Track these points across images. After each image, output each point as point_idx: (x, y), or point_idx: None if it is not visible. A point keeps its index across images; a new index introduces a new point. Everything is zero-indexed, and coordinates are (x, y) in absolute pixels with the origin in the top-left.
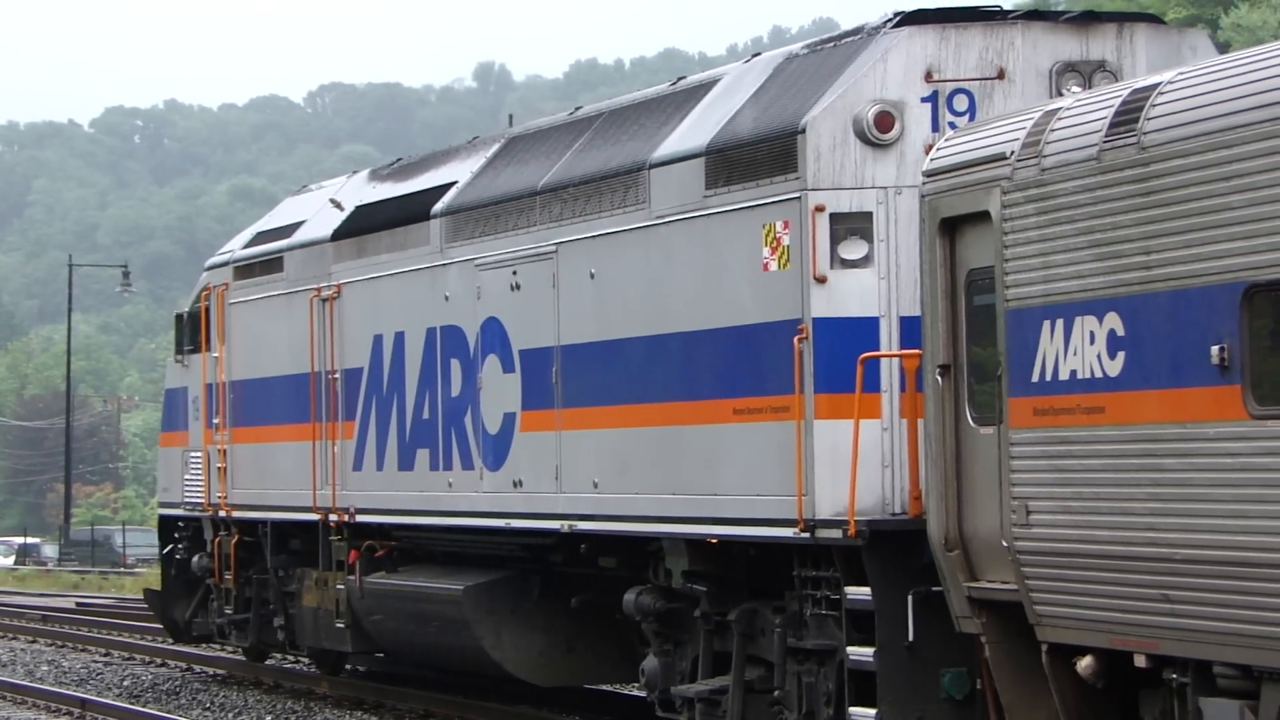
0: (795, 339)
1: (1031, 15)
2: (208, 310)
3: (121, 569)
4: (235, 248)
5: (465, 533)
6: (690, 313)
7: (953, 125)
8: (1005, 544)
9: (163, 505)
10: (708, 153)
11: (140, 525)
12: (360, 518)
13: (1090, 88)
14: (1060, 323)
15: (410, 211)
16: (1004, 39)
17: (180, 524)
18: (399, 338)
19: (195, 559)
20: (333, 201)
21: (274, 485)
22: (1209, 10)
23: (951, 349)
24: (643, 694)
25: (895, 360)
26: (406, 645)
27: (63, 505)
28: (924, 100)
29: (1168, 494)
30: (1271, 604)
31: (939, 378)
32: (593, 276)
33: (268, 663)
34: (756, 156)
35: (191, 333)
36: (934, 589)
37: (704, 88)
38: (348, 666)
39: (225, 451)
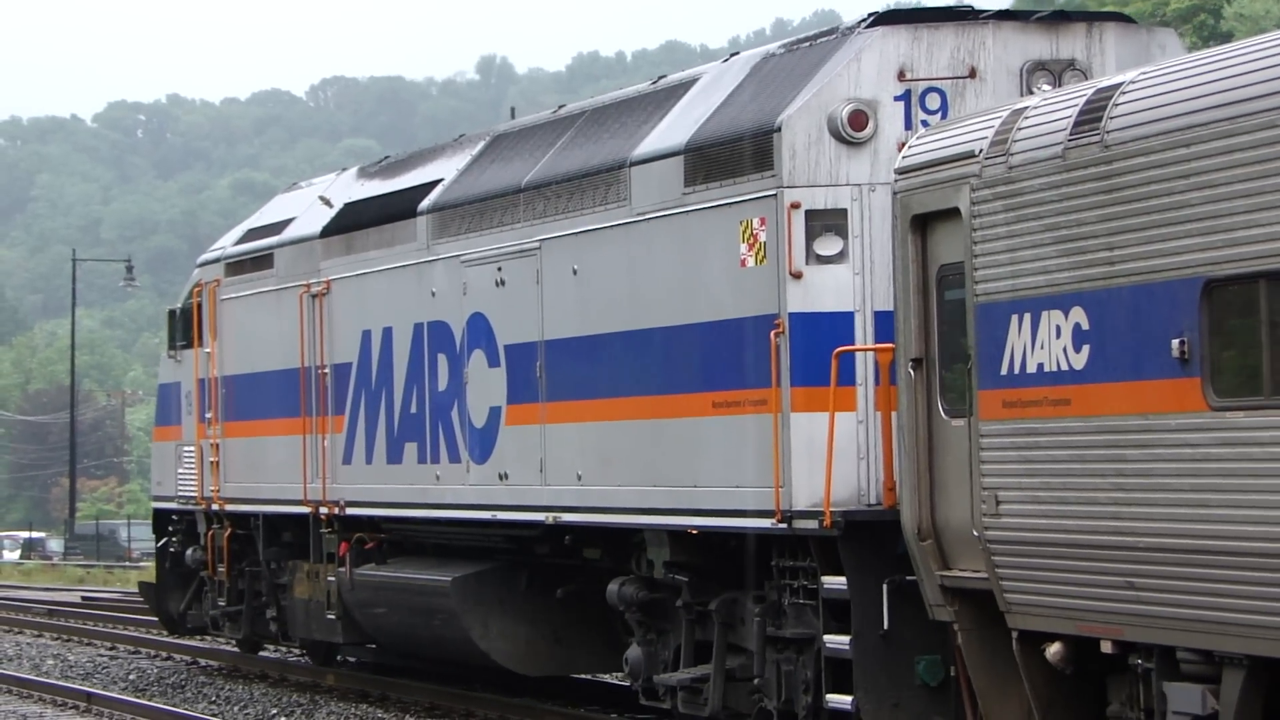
0: (772, 333)
1: (1002, 15)
2: (200, 306)
3: (127, 563)
4: (227, 244)
5: (453, 525)
6: (670, 308)
7: (925, 123)
8: (976, 534)
9: (157, 499)
10: (686, 151)
11: (145, 519)
12: (350, 510)
13: (1061, 86)
14: (1028, 317)
15: (397, 208)
16: (975, 39)
17: (174, 517)
18: (387, 333)
19: (189, 552)
20: (322, 199)
21: (265, 479)
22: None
23: (923, 343)
24: (627, 683)
25: (870, 354)
26: (396, 636)
27: (67, 500)
28: (897, 99)
29: (1131, 484)
30: (1231, 590)
31: (911, 371)
32: (575, 272)
33: (266, 655)
34: (734, 154)
35: (184, 328)
36: (908, 578)
37: (683, 87)
38: (339, 657)
39: (218, 446)
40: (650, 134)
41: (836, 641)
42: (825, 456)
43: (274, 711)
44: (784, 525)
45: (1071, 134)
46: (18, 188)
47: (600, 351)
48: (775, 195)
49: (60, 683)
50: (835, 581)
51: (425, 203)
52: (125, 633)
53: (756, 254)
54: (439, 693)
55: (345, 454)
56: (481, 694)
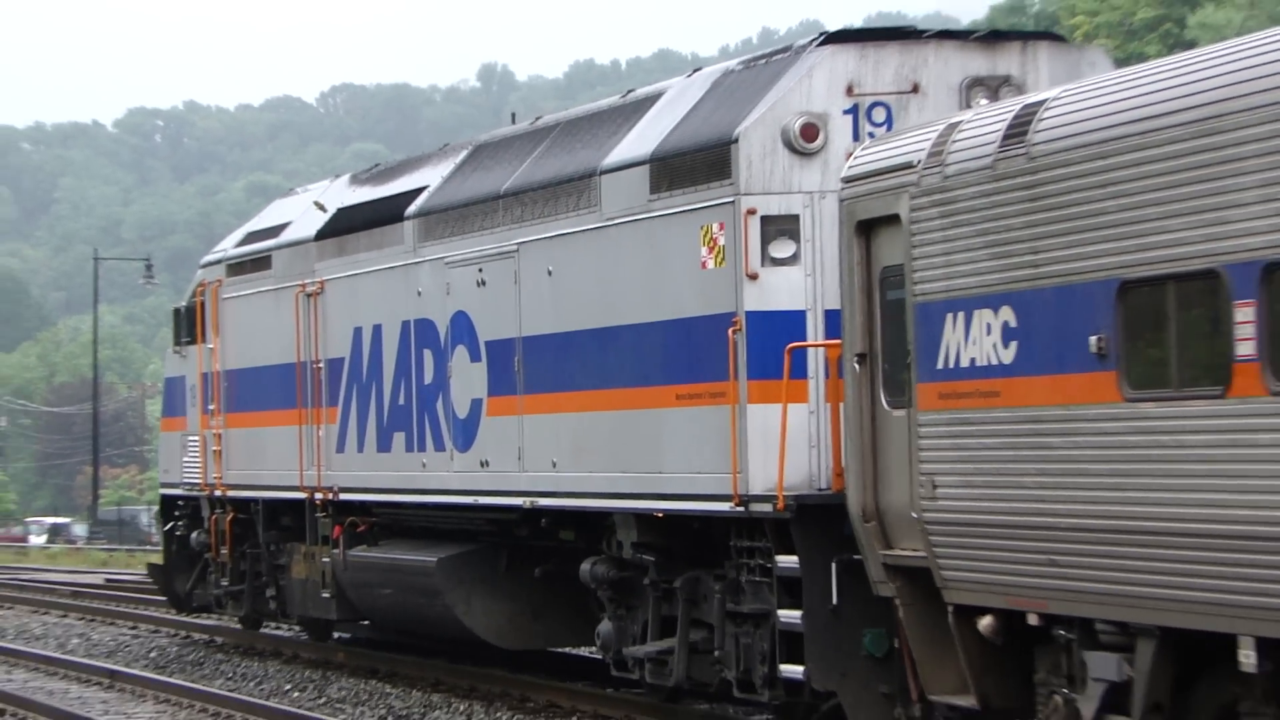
0: (730, 330)
1: (944, 34)
2: (203, 305)
3: (148, 546)
4: (228, 247)
5: (438, 509)
6: (637, 307)
7: (872, 135)
8: (915, 515)
9: (164, 485)
10: (652, 160)
11: None
12: (343, 496)
13: (998, 100)
14: (961, 315)
15: (386, 213)
16: (918, 56)
17: (180, 503)
18: (377, 330)
19: (194, 535)
20: (316, 204)
21: (265, 466)
22: (1176, 10)
23: (867, 339)
24: (599, 655)
25: (820, 349)
26: (386, 613)
27: (91, 487)
28: (845, 112)
29: (1053, 469)
30: (1143, 567)
31: (856, 365)
32: (550, 273)
33: (277, 633)
34: (695, 164)
35: (188, 326)
36: (854, 557)
37: (650, 100)
38: (335, 634)
39: (220, 435)
40: (619, 145)
41: (789, 616)
42: (779, 445)
43: (288, 687)
44: (741, 509)
45: (1000, 146)
46: (42, 190)
47: (573, 347)
48: (733, 202)
49: (85, 660)
50: (788, 560)
51: (412, 208)
52: (146, 613)
53: (716, 257)
54: (445, 669)
55: (339, 443)
56: (486, 669)
